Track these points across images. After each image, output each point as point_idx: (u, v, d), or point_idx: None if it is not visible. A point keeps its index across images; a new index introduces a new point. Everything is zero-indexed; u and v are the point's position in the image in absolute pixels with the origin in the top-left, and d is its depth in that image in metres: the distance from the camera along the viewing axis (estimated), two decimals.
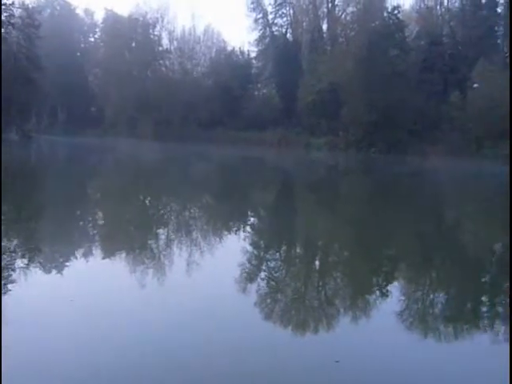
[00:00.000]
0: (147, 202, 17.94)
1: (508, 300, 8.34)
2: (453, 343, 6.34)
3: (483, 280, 9.71)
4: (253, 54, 70.41)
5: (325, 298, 7.83)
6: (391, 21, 54.46)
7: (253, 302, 7.18)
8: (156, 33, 70.07)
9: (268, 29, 68.84)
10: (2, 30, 47.14)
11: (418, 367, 5.50)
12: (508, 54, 52.19)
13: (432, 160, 43.76)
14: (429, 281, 9.42)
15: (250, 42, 72.06)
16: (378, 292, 8.31)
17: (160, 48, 70.11)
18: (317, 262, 10.60)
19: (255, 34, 69.24)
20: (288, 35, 68.81)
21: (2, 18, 46.69)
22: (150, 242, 10.83)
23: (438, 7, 59.63)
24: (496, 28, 56.75)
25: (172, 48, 71.44)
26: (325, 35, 65.22)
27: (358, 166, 41.91)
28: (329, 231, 13.85)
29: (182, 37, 70.86)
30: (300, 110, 56.65)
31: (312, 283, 8.66)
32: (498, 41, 57.54)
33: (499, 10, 56.93)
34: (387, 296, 7.99)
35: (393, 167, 40.26)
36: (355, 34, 57.81)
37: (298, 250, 11.78)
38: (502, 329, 6.85)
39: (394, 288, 8.56)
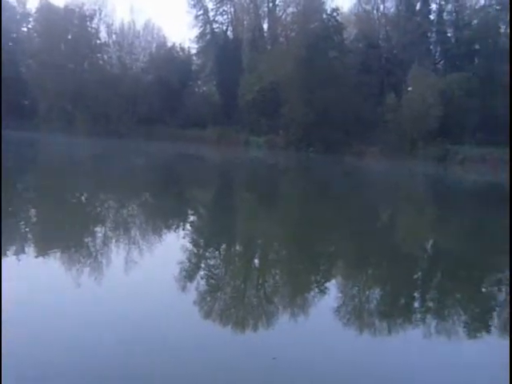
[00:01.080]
0: (77, 200, 17.45)
1: (438, 295, 8.70)
2: (387, 338, 6.55)
3: (415, 276, 10.07)
4: (193, 51, 69.92)
5: (264, 296, 7.89)
6: (330, 23, 55.46)
7: (192, 301, 7.15)
8: (93, 25, 68.15)
9: (209, 26, 68.51)
10: None
11: (355, 362, 5.64)
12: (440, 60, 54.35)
13: (368, 160, 44.96)
14: (365, 278, 9.68)
15: (190, 39, 71.38)
16: (316, 289, 8.46)
17: (98, 41, 68.30)
18: (256, 261, 10.66)
19: (196, 31, 68.84)
20: (229, 33, 68.74)
21: None
22: (85, 240, 10.55)
23: (375, 12, 61.18)
24: (429, 34, 58.92)
25: (110, 42, 69.67)
26: (265, 34, 65.63)
27: (297, 166, 42.43)
28: (268, 230, 13.95)
29: (120, 30, 69.23)
30: (240, 108, 56.74)
31: (251, 281, 8.70)
32: (431, 46, 59.79)
33: (432, 17, 59.18)
34: (325, 293, 8.15)
35: (331, 167, 41.03)
36: (295, 34, 58.49)
37: (237, 249, 11.80)
38: (433, 323, 7.13)
39: (332, 285, 8.74)
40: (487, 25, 52.27)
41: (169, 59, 64.92)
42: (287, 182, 28.85)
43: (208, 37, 68.53)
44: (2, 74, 39.31)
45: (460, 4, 57.85)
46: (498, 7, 53.88)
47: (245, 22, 67.64)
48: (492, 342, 6.63)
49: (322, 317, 7.01)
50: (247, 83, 55.27)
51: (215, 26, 68.86)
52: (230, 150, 50.61)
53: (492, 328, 7.20)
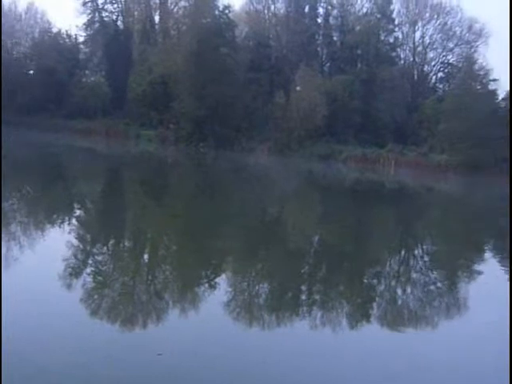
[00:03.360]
0: None
1: (322, 288, 9.10)
2: (275, 331, 6.73)
3: (302, 271, 10.44)
4: (81, 39, 66.79)
5: (154, 291, 7.79)
6: (222, 19, 55.70)
7: (78, 298, 6.88)
8: None
9: (98, 14, 65.78)
10: None
11: (243, 355, 5.74)
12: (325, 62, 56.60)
13: (258, 157, 45.76)
14: (254, 272, 9.87)
15: (78, 26, 67.73)
16: (206, 284, 8.49)
17: None
18: (146, 256, 10.49)
19: (84, 18, 65.76)
20: (119, 23, 66.48)
21: None
22: None
23: (266, 11, 62.31)
24: (316, 36, 61.12)
25: None
26: (157, 27, 64.43)
27: (186, 161, 42.22)
28: (156, 225, 13.77)
29: None
30: (130, 101, 55.31)
31: (141, 277, 8.54)
32: (318, 48, 62.08)
33: (319, 20, 61.42)
34: (215, 288, 8.20)
35: (220, 163, 41.30)
36: (187, 28, 58.05)
37: (126, 244, 11.52)
38: (318, 314, 7.44)
39: (222, 280, 8.81)
40: (368, 31, 55.34)
41: (54, 46, 61.58)
42: (176, 177, 28.56)
43: (97, 25, 65.80)
44: (1, 73, 36.13)
45: (345, 10, 60.60)
46: (378, 15, 57.31)
47: (135, 13, 65.93)
48: (372, 330, 7.06)
49: (212, 311, 7.05)
50: (137, 75, 54.04)
51: (104, 14, 66.27)
52: (120, 143, 49.19)
53: (372, 317, 7.66)
